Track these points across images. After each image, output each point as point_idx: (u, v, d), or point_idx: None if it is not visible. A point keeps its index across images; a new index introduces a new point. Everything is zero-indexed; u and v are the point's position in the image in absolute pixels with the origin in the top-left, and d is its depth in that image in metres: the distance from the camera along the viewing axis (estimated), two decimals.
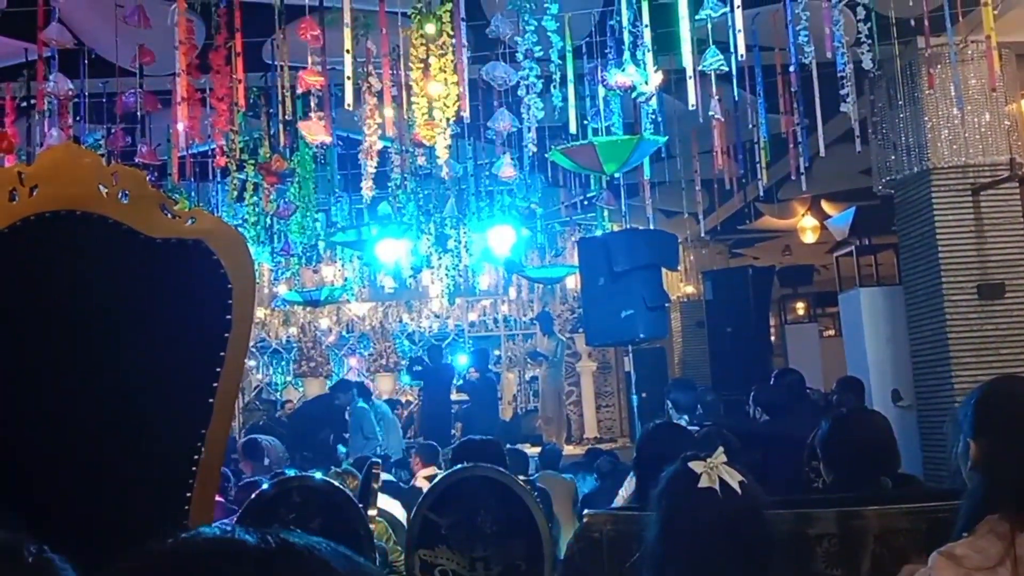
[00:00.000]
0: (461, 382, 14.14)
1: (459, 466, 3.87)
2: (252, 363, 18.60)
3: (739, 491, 2.14)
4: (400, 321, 18.29)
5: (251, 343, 17.51)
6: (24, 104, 6.91)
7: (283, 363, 18.84)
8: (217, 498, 6.23)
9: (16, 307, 2.61)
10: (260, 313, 16.63)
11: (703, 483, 2.13)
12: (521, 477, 5.22)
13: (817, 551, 3.14)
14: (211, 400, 2.70)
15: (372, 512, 4.01)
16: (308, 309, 15.32)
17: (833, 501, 3.30)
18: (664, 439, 3.95)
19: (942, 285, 7.95)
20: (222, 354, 2.70)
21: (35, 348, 2.62)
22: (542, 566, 3.61)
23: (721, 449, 2.29)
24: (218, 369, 2.70)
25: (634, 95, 5.61)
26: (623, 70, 5.51)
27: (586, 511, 3.56)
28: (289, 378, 18.68)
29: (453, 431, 12.95)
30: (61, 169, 2.64)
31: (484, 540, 3.62)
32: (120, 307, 2.68)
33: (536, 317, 15.74)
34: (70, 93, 5.99)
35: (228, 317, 2.70)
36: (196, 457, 2.71)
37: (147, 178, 2.69)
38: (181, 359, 2.70)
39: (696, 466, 2.18)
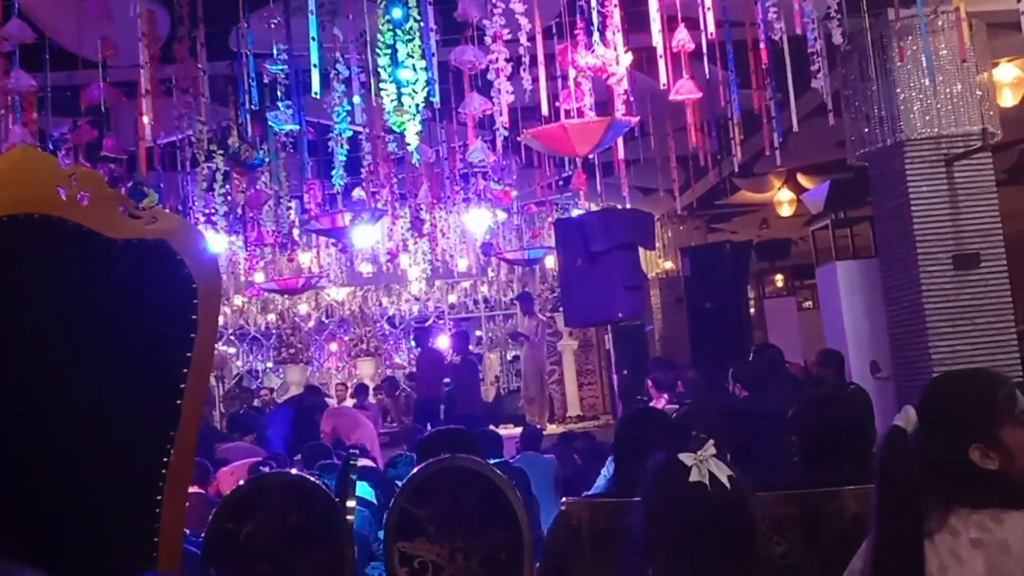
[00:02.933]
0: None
1: (438, 457, 3.84)
2: (232, 351, 18.54)
3: (728, 485, 2.12)
4: (380, 305, 18.24)
5: (230, 331, 17.50)
6: None
7: (263, 350, 18.78)
8: (197, 490, 6.22)
9: None
10: (238, 301, 16.56)
11: (693, 477, 2.11)
12: (494, 461, 5.21)
13: (796, 532, 3.15)
14: (179, 401, 2.67)
15: (350, 504, 3.98)
16: (286, 295, 15.26)
17: (811, 481, 3.30)
18: (643, 424, 3.95)
19: (917, 256, 7.96)
20: (188, 354, 2.67)
21: None
22: (522, 555, 3.60)
23: (712, 442, 2.26)
24: (185, 369, 2.67)
25: (604, 76, 5.57)
26: (593, 51, 5.47)
27: (564, 499, 3.55)
28: (269, 365, 18.62)
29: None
30: (18, 173, 2.60)
31: (463, 530, 3.60)
32: (83, 310, 2.64)
33: (516, 297, 15.73)
34: (32, 89, 5.89)
35: (193, 317, 2.67)
36: (165, 459, 2.68)
37: (106, 179, 2.64)
38: (146, 361, 2.66)
39: (686, 458, 2.16)
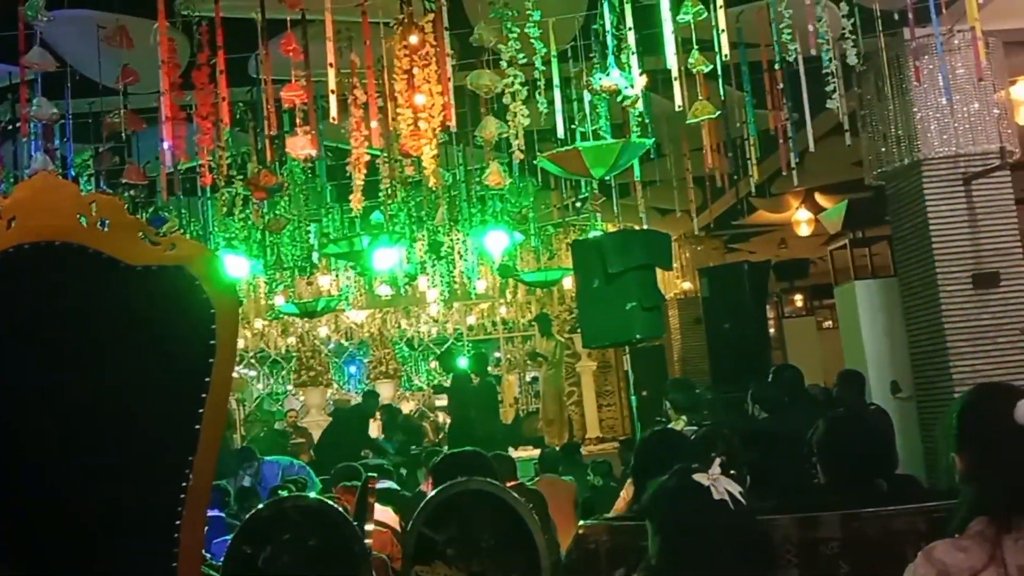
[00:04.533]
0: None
1: (455, 480, 3.84)
2: (252, 373, 18.58)
3: (743, 501, 2.13)
4: (399, 327, 18.26)
5: (251, 354, 17.54)
6: (9, 128, 6.89)
7: (283, 373, 18.80)
8: (217, 513, 6.23)
9: None
10: (258, 324, 16.61)
11: (716, 496, 2.11)
12: (511, 483, 5.19)
13: (816, 555, 3.13)
14: (197, 427, 2.68)
15: (368, 527, 3.98)
16: (306, 318, 15.31)
17: (831, 504, 3.28)
18: (661, 446, 3.94)
19: (936, 275, 7.93)
20: (207, 380, 2.68)
21: (17, 380, 2.60)
22: None
23: (718, 460, 2.26)
24: (203, 395, 2.68)
25: (619, 99, 5.59)
26: (608, 74, 5.49)
27: (581, 522, 3.54)
28: (290, 388, 18.64)
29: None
30: (39, 200, 2.62)
31: (481, 554, 3.59)
32: (102, 337, 2.66)
33: (534, 319, 15.73)
34: (54, 117, 5.97)
35: (212, 342, 2.68)
36: (184, 484, 2.69)
37: (126, 205, 2.67)
38: (165, 386, 2.67)
39: (701, 479, 2.15)
